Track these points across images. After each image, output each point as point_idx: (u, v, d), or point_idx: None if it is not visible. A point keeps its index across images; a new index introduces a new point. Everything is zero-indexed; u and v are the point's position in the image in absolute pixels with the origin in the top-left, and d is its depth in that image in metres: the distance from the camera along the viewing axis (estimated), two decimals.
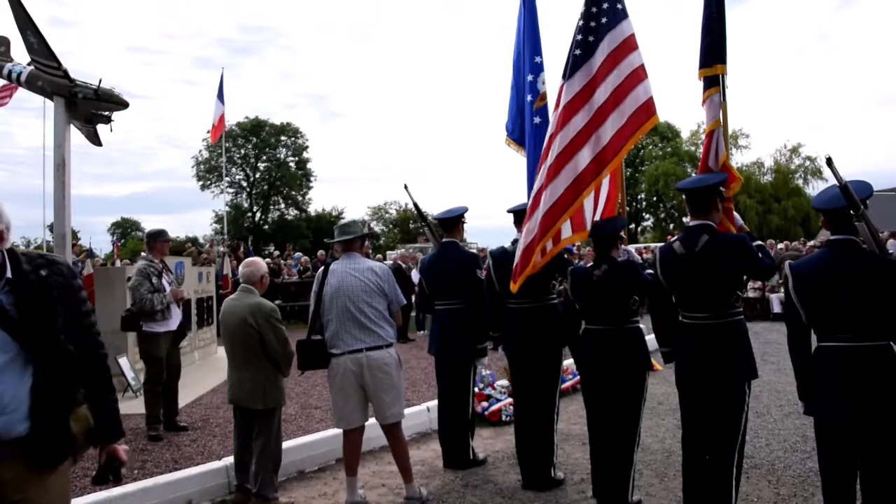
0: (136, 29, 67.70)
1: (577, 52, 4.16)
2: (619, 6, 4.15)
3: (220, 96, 16.74)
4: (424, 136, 76.74)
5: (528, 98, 4.84)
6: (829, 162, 2.88)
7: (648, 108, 4.07)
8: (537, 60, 4.84)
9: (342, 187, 79.14)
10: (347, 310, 4.31)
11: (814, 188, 40.74)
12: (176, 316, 6.31)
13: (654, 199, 43.33)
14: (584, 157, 4.14)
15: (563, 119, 4.14)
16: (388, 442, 4.59)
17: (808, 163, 41.45)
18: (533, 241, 4.28)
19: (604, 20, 4.14)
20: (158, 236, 6.52)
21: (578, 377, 5.91)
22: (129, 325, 6.14)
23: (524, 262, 4.34)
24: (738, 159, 40.00)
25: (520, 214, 4.92)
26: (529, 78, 4.83)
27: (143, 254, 6.64)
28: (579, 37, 4.17)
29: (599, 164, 4.12)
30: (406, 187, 5.52)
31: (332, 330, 4.37)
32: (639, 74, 4.07)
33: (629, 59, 4.07)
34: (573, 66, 4.16)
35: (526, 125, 4.90)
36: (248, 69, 63.73)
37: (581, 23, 4.19)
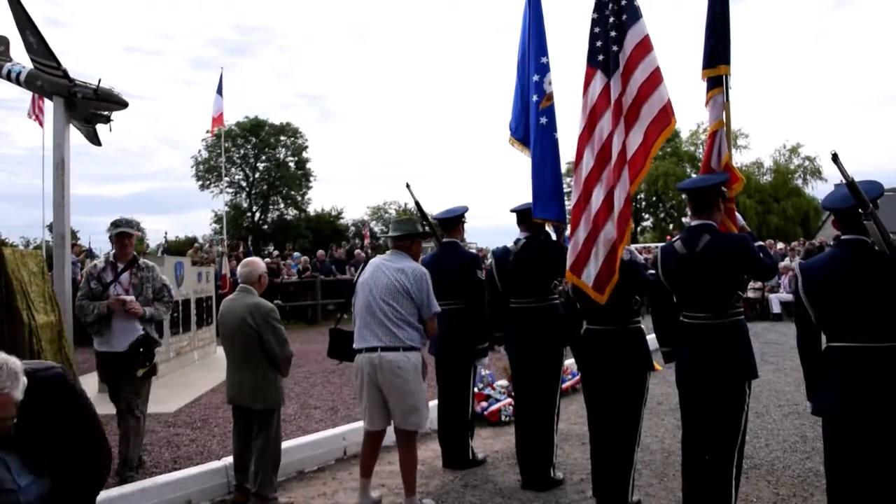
0: (131, 29, 67.46)
1: (615, 47, 4.14)
2: (635, 3, 4.14)
3: (220, 91, 16.74)
4: (424, 136, 76.72)
5: (534, 98, 4.82)
6: (836, 158, 2.84)
7: (670, 111, 4.01)
8: (543, 61, 4.82)
9: (341, 187, 79.01)
10: (368, 305, 4.18)
11: (813, 188, 40.84)
12: (123, 334, 4.84)
13: (654, 199, 43.34)
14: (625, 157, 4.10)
15: (615, 118, 4.09)
16: (397, 446, 4.40)
17: (807, 163, 41.52)
18: (615, 245, 4.01)
19: (624, 17, 4.13)
20: (111, 228, 5.04)
21: (578, 377, 5.91)
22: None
23: (610, 267, 4.00)
24: (738, 159, 40.02)
25: (523, 214, 4.91)
26: (535, 78, 4.81)
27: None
28: (613, 33, 4.15)
29: (633, 169, 4.06)
30: (408, 186, 5.52)
31: (357, 324, 4.26)
32: (657, 75, 4.04)
33: (649, 58, 4.05)
34: (614, 63, 4.13)
35: (531, 125, 4.88)
36: (244, 69, 63.56)
37: (612, 19, 4.17)
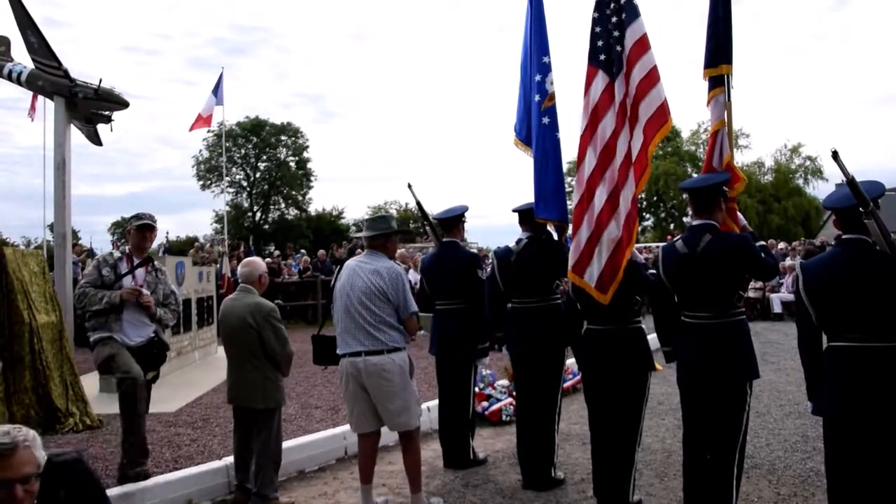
0: (129, 29, 67.63)
1: (618, 48, 4.13)
2: (634, 2, 4.13)
3: (216, 92, 16.78)
4: (423, 136, 76.76)
5: (536, 98, 4.80)
6: (836, 156, 2.82)
7: (667, 110, 4.00)
8: (545, 61, 4.81)
9: (341, 187, 79.14)
10: (347, 310, 4.15)
11: (814, 188, 40.83)
12: (133, 329, 4.63)
13: (655, 198, 43.34)
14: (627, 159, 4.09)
15: (619, 118, 4.07)
16: (400, 447, 4.38)
17: (808, 162, 41.51)
18: (622, 246, 3.99)
19: (623, 16, 4.13)
20: (132, 220, 4.88)
21: (579, 377, 5.91)
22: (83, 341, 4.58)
23: (614, 266, 3.98)
24: (739, 159, 40.04)
25: (525, 214, 4.90)
26: (537, 78, 4.80)
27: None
28: (616, 33, 4.14)
29: (637, 169, 4.04)
30: (410, 186, 5.51)
31: (338, 329, 4.24)
32: (655, 74, 4.03)
33: (647, 57, 4.04)
34: (618, 63, 4.12)
35: (533, 125, 4.87)
36: (243, 69, 63.72)
37: (614, 19, 4.16)
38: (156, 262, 4.99)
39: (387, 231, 4.34)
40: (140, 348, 4.60)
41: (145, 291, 4.68)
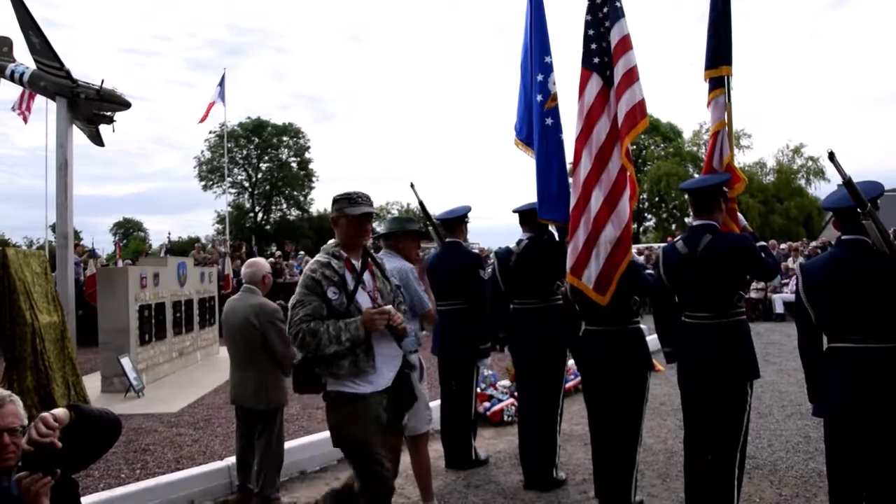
0: (127, 30, 68.07)
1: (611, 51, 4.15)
2: (617, 4, 4.14)
3: (220, 83, 16.95)
4: (424, 137, 76.88)
5: (539, 98, 4.79)
6: (832, 156, 2.82)
7: (640, 111, 4.01)
8: (547, 60, 4.80)
9: (342, 188, 78.54)
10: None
11: (816, 188, 40.83)
12: (386, 364, 3.24)
13: (657, 199, 43.38)
14: (615, 161, 4.13)
15: (615, 121, 4.09)
16: (409, 453, 4.34)
17: (810, 163, 41.49)
18: (620, 247, 4.00)
19: (609, 21, 4.14)
20: (343, 203, 3.29)
21: (580, 377, 5.91)
22: (303, 384, 3.33)
23: (612, 268, 3.98)
24: (741, 159, 40.09)
25: (525, 215, 4.90)
26: (539, 78, 4.79)
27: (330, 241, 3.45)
28: (609, 36, 4.15)
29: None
30: (412, 186, 5.49)
31: None
32: (634, 74, 4.04)
33: (627, 57, 4.05)
34: (612, 68, 4.13)
35: (535, 125, 4.86)
36: (241, 70, 64.11)
37: (608, 22, 4.17)
38: (373, 254, 3.51)
39: (394, 231, 4.33)
40: (394, 387, 3.32)
41: (391, 309, 3.19)
